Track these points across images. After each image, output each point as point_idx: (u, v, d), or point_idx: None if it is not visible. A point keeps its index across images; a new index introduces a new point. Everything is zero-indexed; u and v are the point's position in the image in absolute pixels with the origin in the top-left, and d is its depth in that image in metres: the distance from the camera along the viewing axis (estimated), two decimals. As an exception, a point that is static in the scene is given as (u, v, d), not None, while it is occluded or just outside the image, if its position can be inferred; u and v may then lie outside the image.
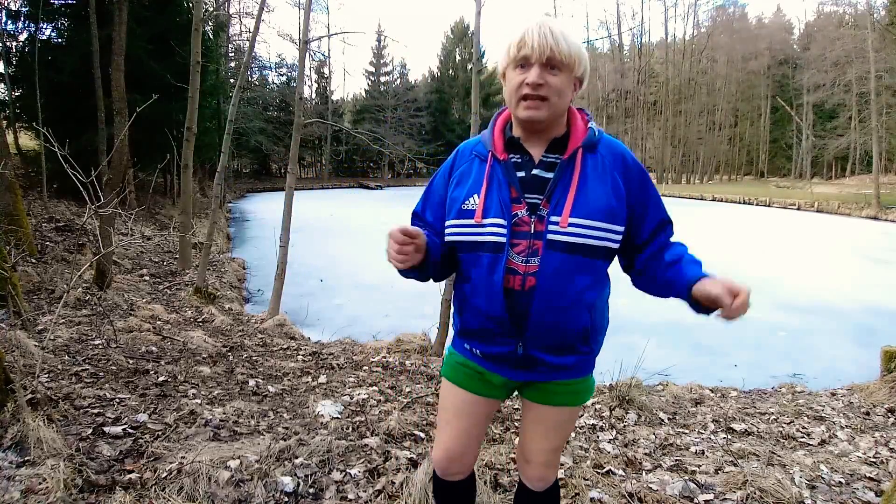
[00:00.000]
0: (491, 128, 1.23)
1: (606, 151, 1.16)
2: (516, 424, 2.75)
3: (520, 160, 1.17)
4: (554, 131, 1.17)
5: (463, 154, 1.25)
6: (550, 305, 1.11)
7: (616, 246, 1.16)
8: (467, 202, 1.17)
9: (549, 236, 1.10)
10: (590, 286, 1.14)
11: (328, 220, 17.45)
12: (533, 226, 1.12)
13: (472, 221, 1.16)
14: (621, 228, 1.15)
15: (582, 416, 2.98)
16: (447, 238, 1.22)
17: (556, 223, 1.10)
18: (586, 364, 1.24)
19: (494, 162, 1.17)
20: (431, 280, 1.28)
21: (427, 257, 1.16)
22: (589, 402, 3.18)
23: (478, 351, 1.23)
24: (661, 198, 1.21)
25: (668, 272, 1.16)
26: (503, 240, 1.12)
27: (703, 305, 1.09)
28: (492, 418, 1.41)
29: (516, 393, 1.33)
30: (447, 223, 1.21)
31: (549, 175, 1.14)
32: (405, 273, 1.20)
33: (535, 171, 1.15)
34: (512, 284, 1.12)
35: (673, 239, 1.23)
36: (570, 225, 1.10)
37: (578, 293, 1.13)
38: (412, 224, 1.32)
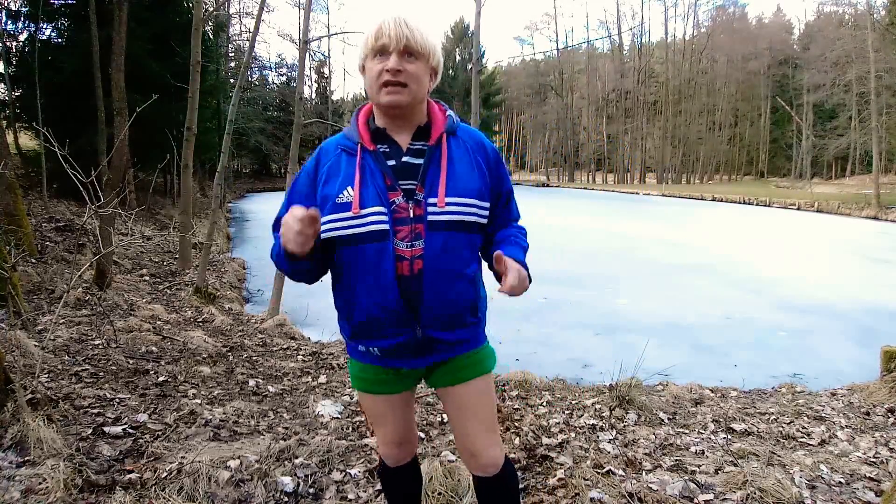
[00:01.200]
0: (354, 121, 1.25)
1: (467, 137, 1.25)
2: (516, 424, 2.75)
3: (388, 149, 1.20)
4: (416, 119, 1.22)
5: (326, 152, 1.24)
6: (441, 283, 1.16)
7: (485, 221, 1.24)
8: (341, 195, 1.16)
9: (430, 217, 1.15)
10: (470, 259, 1.22)
11: (328, 220, 17.41)
12: (412, 210, 1.15)
13: (349, 214, 1.15)
14: (487, 204, 1.23)
15: (582, 416, 2.98)
16: (324, 235, 1.17)
17: (434, 204, 1.15)
18: (479, 333, 1.30)
19: (364, 153, 1.19)
20: (310, 282, 1.27)
21: (315, 251, 1.13)
22: (589, 403, 3.18)
23: (375, 349, 1.23)
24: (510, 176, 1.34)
25: (492, 248, 1.27)
26: (386, 227, 1.13)
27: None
28: (414, 399, 1.46)
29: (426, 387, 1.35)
30: (322, 219, 1.15)
31: (419, 161, 1.18)
32: (298, 270, 1.19)
33: (404, 159, 1.19)
34: (401, 271, 1.15)
35: (520, 223, 1.37)
36: (448, 204, 1.16)
37: (463, 267, 1.19)
38: (273, 233, 1.27)
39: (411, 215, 1.15)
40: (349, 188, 1.16)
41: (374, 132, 1.21)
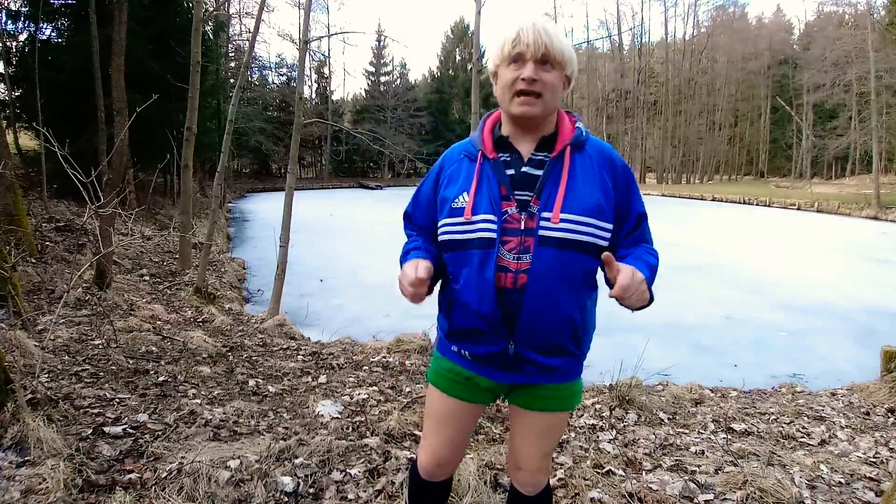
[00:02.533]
0: (480, 128, 1.24)
1: (594, 151, 1.18)
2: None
3: (509, 158, 1.18)
4: (543, 129, 1.18)
5: (451, 156, 1.26)
6: (542, 303, 1.11)
7: (605, 243, 1.16)
8: (457, 200, 1.17)
9: (541, 232, 1.10)
10: (581, 284, 1.15)
11: (328, 220, 17.45)
12: (523, 222, 1.12)
13: (461, 219, 1.15)
14: (609, 226, 1.15)
15: (582, 416, 2.98)
16: (440, 238, 1.22)
17: (548, 219, 1.10)
18: (575, 367, 1.23)
19: (484, 160, 1.18)
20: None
21: (433, 277, 1.18)
22: (589, 403, 3.18)
23: (467, 353, 1.21)
24: (642, 196, 1.25)
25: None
26: (493, 235, 1.12)
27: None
28: (478, 421, 1.40)
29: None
30: (440, 223, 1.22)
31: (539, 172, 1.15)
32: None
33: (524, 169, 1.16)
34: (503, 283, 1.12)
35: (651, 246, 1.23)
36: (562, 221, 1.10)
37: (569, 290, 1.13)
38: (404, 225, 1.37)
39: (522, 227, 1.12)
40: (465, 194, 1.16)
41: (498, 140, 1.20)
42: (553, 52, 1.10)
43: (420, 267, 1.11)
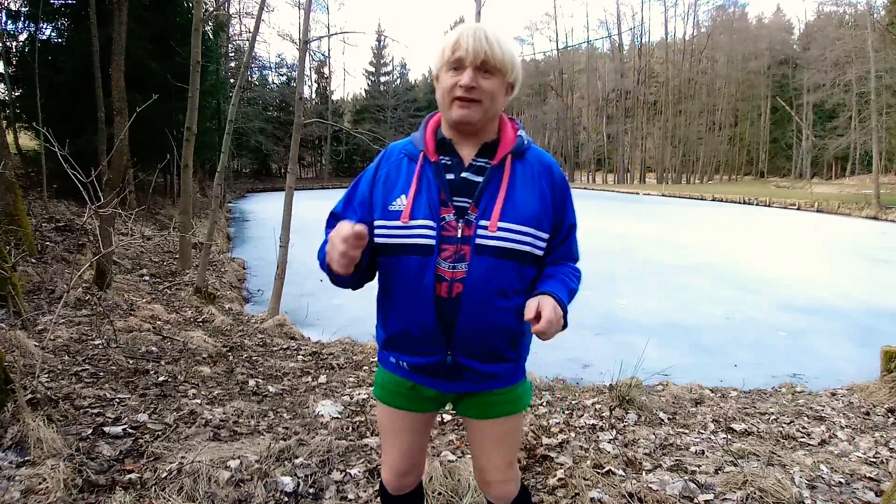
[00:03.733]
0: (423, 128, 1.20)
1: (535, 160, 1.17)
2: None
3: (449, 162, 1.15)
4: (485, 136, 1.16)
5: (391, 154, 1.21)
6: (479, 313, 1.09)
7: (541, 253, 1.15)
8: (394, 203, 1.13)
9: (478, 241, 1.08)
10: (517, 292, 1.12)
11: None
12: (461, 230, 1.09)
13: (398, 223, 1.11)
14: (546, 235, 1.15)
15: (582, 416, 2.98)
16: (375, 241, 1.15)
17: (485, 227, 1.08)
18: (515, 372, 1.21)
19: (425, 162, 1.14)
20: (354, 289, 1.23)
21: (360, 266, 1.11)
22: (589, 403, 3.18)
23: (405, 363, 1.18)
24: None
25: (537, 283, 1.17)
26: (432, 242, 1.08)
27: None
28: (431, 427, 1.38)
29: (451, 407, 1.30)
30: (375, 223, 1.15)
31: (479, 179, 1.12)
32: (341, 280, 1.12)
33: (463, 174, 1.13)
34: (439, 292, 1.09)
35: (577, 265, 1.24)
36: (500, 229, 1.08)
37: (506, 300, 1.11)
38: (327, 224, 1.26)
39: (459, 235, 1.09)
40: (403, 196, 1.12)
41: (440, 143, 1.17)
42: (493, 60, 1.07)
43: (357, 225, 0.99)
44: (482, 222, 1.09)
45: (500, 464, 1.27)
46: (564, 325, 1.09)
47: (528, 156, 1.17)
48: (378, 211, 1.15)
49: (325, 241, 1.13)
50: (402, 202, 1.12)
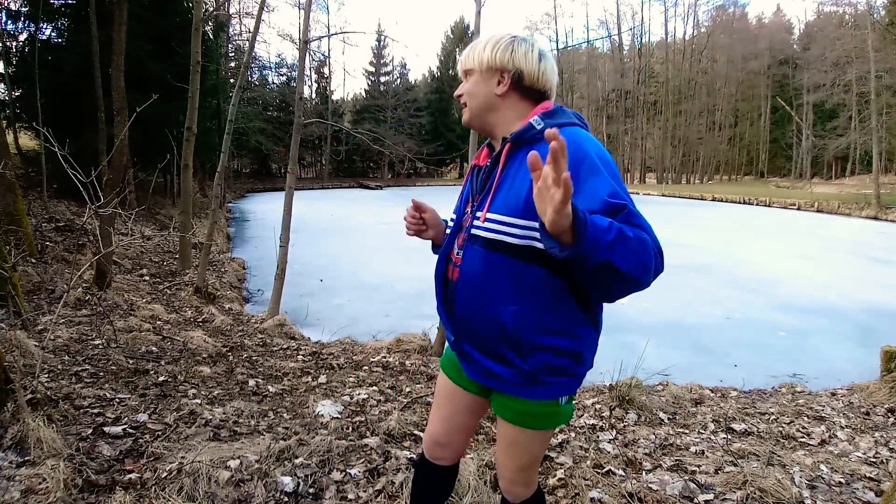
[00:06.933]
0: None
1: (546, 146, 0.93)
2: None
3: (489, 162, 1.24)
4: (501, 130, 1.20)
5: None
6: (469, 300, 1.15)
7: (542, 247, 0.99)
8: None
9: (472, 231, 1.15)
10: (512, 289, 1.07)
11: (328, 220, 17.45)
12: (468, 220, 1.19)
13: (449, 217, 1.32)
14: None
15: (582, 416, 2.98)
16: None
17: (478, 218, 1.14)
18: (526, 383, 1.13)
19: (474, 166, 1.28)
20: None
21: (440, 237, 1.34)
22: (589, 403, 3.18)
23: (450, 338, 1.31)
24: (614, 188, 0.97)
25: None
26: (448, 231, 1.26)
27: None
28: (480, 414, 1.37)
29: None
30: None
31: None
32: (435, 250, 1.37)
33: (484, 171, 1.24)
34: (449, 274, 1.21)
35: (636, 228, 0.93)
36: (488, 220, 1.10)
37: (495, 292, 1.09)
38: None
39: (466, 225, 1.19)
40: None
41: (489, 146, 1.28)
42: (466, 65, 1.20)
43: (416, 199, 1.33)
44: (478, 213, 1.16)
45: (507, 464, 1.28)
46: (575, 229, 0.84)
47: (541, 142, 1.04)
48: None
49: None
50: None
